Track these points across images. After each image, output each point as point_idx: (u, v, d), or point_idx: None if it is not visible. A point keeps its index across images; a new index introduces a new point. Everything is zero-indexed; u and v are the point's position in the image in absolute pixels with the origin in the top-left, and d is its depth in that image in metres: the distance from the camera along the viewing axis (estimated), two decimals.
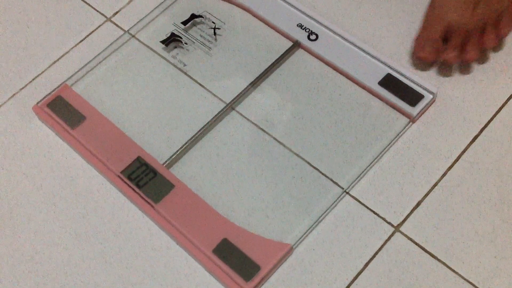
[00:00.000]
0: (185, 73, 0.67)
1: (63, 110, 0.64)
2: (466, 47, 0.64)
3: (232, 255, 0.55)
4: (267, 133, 0.63)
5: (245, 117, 0.64)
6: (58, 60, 0.69)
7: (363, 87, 0.64)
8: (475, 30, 0.64)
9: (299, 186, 0.59)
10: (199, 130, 0.63)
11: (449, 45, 0.64)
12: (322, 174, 0.60)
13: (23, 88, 0.67)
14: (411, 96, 0.63)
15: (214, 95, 0.65)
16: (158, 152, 0.62)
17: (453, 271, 0.54)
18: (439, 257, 0.55)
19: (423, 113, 0.62)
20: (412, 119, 0.62)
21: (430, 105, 0.63)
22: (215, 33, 0.69)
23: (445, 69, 0.65)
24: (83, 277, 0.56)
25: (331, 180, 0.59)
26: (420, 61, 0.66)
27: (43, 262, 0.57)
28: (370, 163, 0.60)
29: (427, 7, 0.66)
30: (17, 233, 0.59)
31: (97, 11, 0.72)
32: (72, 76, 0.67)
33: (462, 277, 0.54)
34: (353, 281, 0.54)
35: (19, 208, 0.60)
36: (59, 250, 0.57)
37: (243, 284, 0.54)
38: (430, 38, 0.64)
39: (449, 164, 0.60)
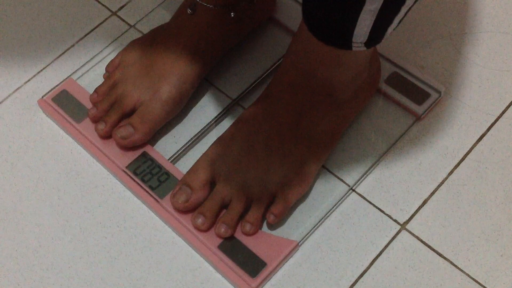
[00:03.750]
0: None
1: (68, 104, 0.63)
2: (220, 219, 0.55)
3: (238, 251, 0.55)
4: None
5: None
6: (63, 54, 0.68)
7: None
8: (238, 201, 0.54)
9: None
10: (205, 126, 0.62)
11: (201, 207, 0.55)
12: (329, 171, 0.60)
13: (28, 81, 0.67)
14: (417, 94, 0.63)
15: (221, 91, 0.65)
16: (163, 147, 0.62)
17: (459, 269, 0.54)
18: (445, 255, 0.55)
19: (429, 111, 0.62)
20: (419, 117, 0.62)
21: (437, 104, 0.63)
22: None
23: None
24: (87, 271, 0.56)
25: (337, 177, 0.59)
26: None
27: (47, 255, 0.57)
28: (376, 161, 0.60)
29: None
30: (21, 227, 0.58)
31: (103, 5, 0.72)
32: (77, 70, 0.66)
33: (468, 275, 0.54)
34: (359, 279, 0.54)
35: (24, 201, 0.60)
36: (63, 244, 0.57)
37: (249, 280, 0.54)
38: (187, 184, 0.55)
39: (456, 163, 0.60)
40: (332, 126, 0.57)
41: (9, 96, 0.66)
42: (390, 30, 0.47)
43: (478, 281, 0.54)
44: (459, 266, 0.55)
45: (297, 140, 0.56)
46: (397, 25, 0.47)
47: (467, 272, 0.54)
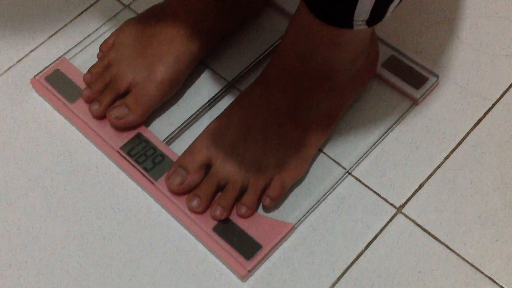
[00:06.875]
0: None
1: (61, 84, 0.62)
2: (215, 201, 0.54)
3: (233, 234, 0.54)
4: None
5: None
6: (56, 32, 0.67)
7: None
8: (234, 183, 0.54)
9: None
10: (200, 108, 0.62)
11: (196, 189, 0.54)
12: (325, 154, 0.59)
13: (20, 60, 0.66)
14: (415, 79, 0.62)
15: (216, 72, 0.64)
16: (158, 128, 0.61)
17: (455, 253, 0.54)
18: (441, 239, 0.55)
19: (427, 95, 0.62)
20: (416, 101, 0.61)
21: (434, 88, 0.63)
22: None
23: None
24: (80, 253, 0.55)
25: (334, 160, 0.59)
26: None
27: (39, 236, 0.56)
28: (373, 144, 0.59)
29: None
30: (13, 208, 0.57)
31: None
32: (70, 49, 0.65)
33: (464, 259, 0.54)
34: (354, 262, 0.54)
35: (16, 182, 0.59)
36: (56, 225, 0.56)
37: (244, 262, 0.53)
38: (182, 166, 0.55)
39: (452, 147, 0.60)
40: (330, 109, 0.57)
41: (0, 75, 0.65)
42: (392, 7, 0.47)
43: (474, 264, 0.54)
44: (454, 250, 0.54)
45: (294, 123, 0.55)
46: (399, 3, 0.47)
47: (462, 255, 0.54)
